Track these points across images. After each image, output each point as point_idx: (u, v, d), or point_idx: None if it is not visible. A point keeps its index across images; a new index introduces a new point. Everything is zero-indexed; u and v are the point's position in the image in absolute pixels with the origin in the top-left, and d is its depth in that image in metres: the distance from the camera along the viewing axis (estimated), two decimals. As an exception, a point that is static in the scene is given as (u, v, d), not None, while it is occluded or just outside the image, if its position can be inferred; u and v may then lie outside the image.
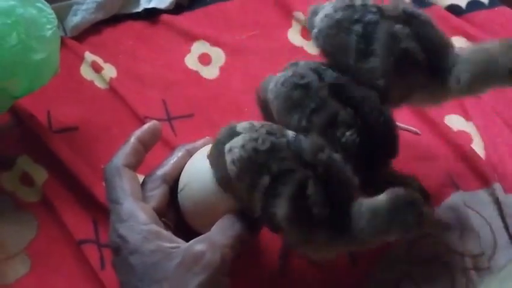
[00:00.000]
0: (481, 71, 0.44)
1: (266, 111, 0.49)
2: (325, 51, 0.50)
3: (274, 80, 0.47)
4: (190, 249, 0.40)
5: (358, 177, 0.41)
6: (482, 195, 0.54)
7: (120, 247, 0.41)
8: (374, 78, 0.46)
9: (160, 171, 0.45)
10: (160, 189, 0.45)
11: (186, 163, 0.46)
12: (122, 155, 0.44)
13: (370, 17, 0.47)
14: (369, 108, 0.44)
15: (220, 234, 0.41)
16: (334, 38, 0.48)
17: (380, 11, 0.47)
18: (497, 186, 0.54)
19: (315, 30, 0.50)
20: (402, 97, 0.48)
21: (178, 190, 0.46)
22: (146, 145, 0.46)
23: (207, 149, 0.45)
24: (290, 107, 0.45)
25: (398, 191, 0.39)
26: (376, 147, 0.44)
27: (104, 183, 0.44)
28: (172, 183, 0.46)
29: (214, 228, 0.42)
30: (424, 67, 0.46)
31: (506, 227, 0.52)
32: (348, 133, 0.43)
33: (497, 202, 0.53)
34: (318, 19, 0.50)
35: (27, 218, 0.53)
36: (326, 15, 0.49)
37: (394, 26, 0.46)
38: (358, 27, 0.47)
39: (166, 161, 0.47)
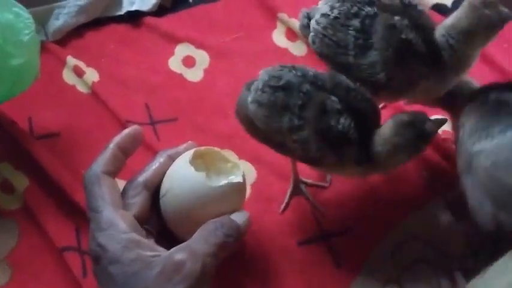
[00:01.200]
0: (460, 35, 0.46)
1: (252, 127, 0.48)
2: (323, 54, 0.50)
3: (252, 91, 0.46)
4: (170, 258, 0.39)
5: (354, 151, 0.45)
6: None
7: (100, 256, 0.40)
8: (375, 73, 0.47)
9: (142, 178, 0.45)
10: (141, 196, 0.44)
11: (167, 169, 0.46)
12: (101, 162, 0.44)
13: (367, 10, 0.47)
14: (344, 90, 0.45)
15: (201, 242, 0.41)
16: (332, 38, 0.48)
17: (377, 3, 0.48)
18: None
19: (312, 34, 0.50)
20: (405, 90, 0.48)
21: (160, 196, 0.45)
22: (126, 151, 0.45)
23: (189, 154, 0.45)
24: (277, 111, 0.45)
25: (400, 115, 0.45)
26: (363, 123, 0.45)
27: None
28: (154, 189, 0.45)
29: (195, 235, 0.41)
30: (425, 57, 0.46)
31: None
32: (341, 119, 0.44)
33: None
34: (313, 22, 0.50)
35: (8, 226, 0.52)
36: (322, 15, 0.49)
37: (393, 17, 0.46)
38: (355, 22, 0.47)
39: (148, 167, 0.46)
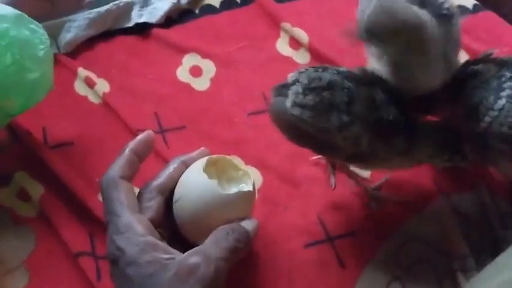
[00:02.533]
0: None
1: (294, 132, 0.48)
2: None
3: (292, 95, 0.46)
4: (185, 261, 0.41)
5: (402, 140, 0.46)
6: (468, 198, 0.55)
7: (118, 258, 0.42)
8: None
9: (156, 183, 0.47)
10: (156, 200, 0.46)
11: (181, 174, 0.48)
12: (118, 167, 0.45)
13: None
14: (381, 81, 0.46)
15: (214, 246, 0.42)
16: None
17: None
18: (483, 189, 0.56)
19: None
20: None
21: (174, 201, 0.47)
22: (140, 156, 0.47)
23: (202, 162, 0.47)
24: (324, 110, 0.45)
25: None
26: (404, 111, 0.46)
27: (100, 196, 0.45)
28: (168, 194, 0.47)
29: (208, 240, 0.43)
30: None
31: (492, 228, 0.53)
32: (391, 109, 0.45)
33: (483, 204, 0.55)
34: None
35: (25, 233, 0.54)
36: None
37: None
38: None
39: (162, 172, 0.48)
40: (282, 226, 0.54)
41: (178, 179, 0.47)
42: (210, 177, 0.45)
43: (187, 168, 0.48)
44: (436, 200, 0.55)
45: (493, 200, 0.55)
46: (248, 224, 0.46)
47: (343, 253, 0.53)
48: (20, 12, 0.51)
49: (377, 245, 0.53)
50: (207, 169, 0.46)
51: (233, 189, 0.46)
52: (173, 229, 0.47)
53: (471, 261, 0.51)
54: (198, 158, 0.48)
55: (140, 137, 0.48)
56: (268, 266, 0.52)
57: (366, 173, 0.57)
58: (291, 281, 0.51)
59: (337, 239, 0.53)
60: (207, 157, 0.48)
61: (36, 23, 0.52)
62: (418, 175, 0.57)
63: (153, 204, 0.45)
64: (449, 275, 0.51)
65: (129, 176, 0.46)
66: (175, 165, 0.48)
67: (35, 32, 0.51)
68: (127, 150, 0.46)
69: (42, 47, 0.51)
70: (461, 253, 0.51)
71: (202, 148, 0.50)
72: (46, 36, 0.52)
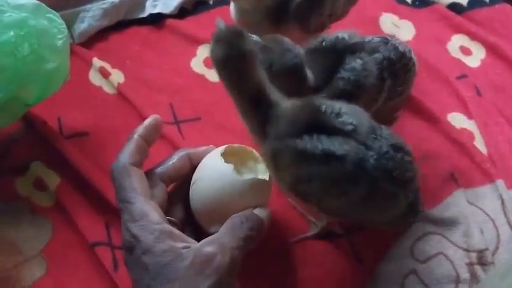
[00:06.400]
0: None
1: None
2: None
3: None
4: (200, 251, 0.41)
5: None
6: (485, 191, 0.55)
7: (134, 247, 0.41)
8: None
9: (158, 170, 0.47)
10: (158, 187, 0.46)
11: (184, 165, 0.48)
12: (128, 153, 0.45)
13: None
14: None
15: (229, 235, 0.42)
16: None
17: None
18: (500, 183, 0.55)
19: None
20: None
21: (191, 185, 0.47)
22: (149, 141, 0.46)
23: (222, 148, 0.47)
24: None
25: None
26: None
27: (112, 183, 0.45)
28: (170, 183, 0.47)
29: (223, 229, 0.43)
30: None
31: (509, 222, 0.53)
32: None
33: (500, 198, 0.55)
34: None
35: (42, 222, 0.54)
36: None
37: None
38: None
39: (165, 161, 0.48)
40: (297, 217, 0.54)
41: (181, 169, 0.47)
42: (227, 163, 0.45)
43: (190, 161, 0.48)
44: (454, 194, 0.55)
45: (509, 194, 0.54)
46: (261, 213, 0.45)
47: (359, 245, 0.52)
48: (38, 1, 0.51)
49: (394, 238, 0.52)
50: (226, 157, 0.46)
51: (248, 176, 0.46)
52: (188, 217, 0.47)
53: (488, 254, 0.51)
54: (204, 154, 0.48)
55: (147, 121, 0.47)
56: (283, 255, 0.52)
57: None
58: (305, 271, 0.51)
59: (353, 232, 0.53)
60: (227, 145, 0.47)
61: (54, 12, 0.52)
62: (436, 168, 0.56)
63: (156, 191, 0.45)
64: (466, 268, 0.50)
65: (140, 163, 0.45)
66: (178, 156, 0.48)
67: (53, 22, 0.51)
68: (136, 136, 0.46)
69: (60, 36, 0.51)
70: (479, 247, 0.51)
71: (211, 146, 0.50)
72: (64, 26, 0.52)
